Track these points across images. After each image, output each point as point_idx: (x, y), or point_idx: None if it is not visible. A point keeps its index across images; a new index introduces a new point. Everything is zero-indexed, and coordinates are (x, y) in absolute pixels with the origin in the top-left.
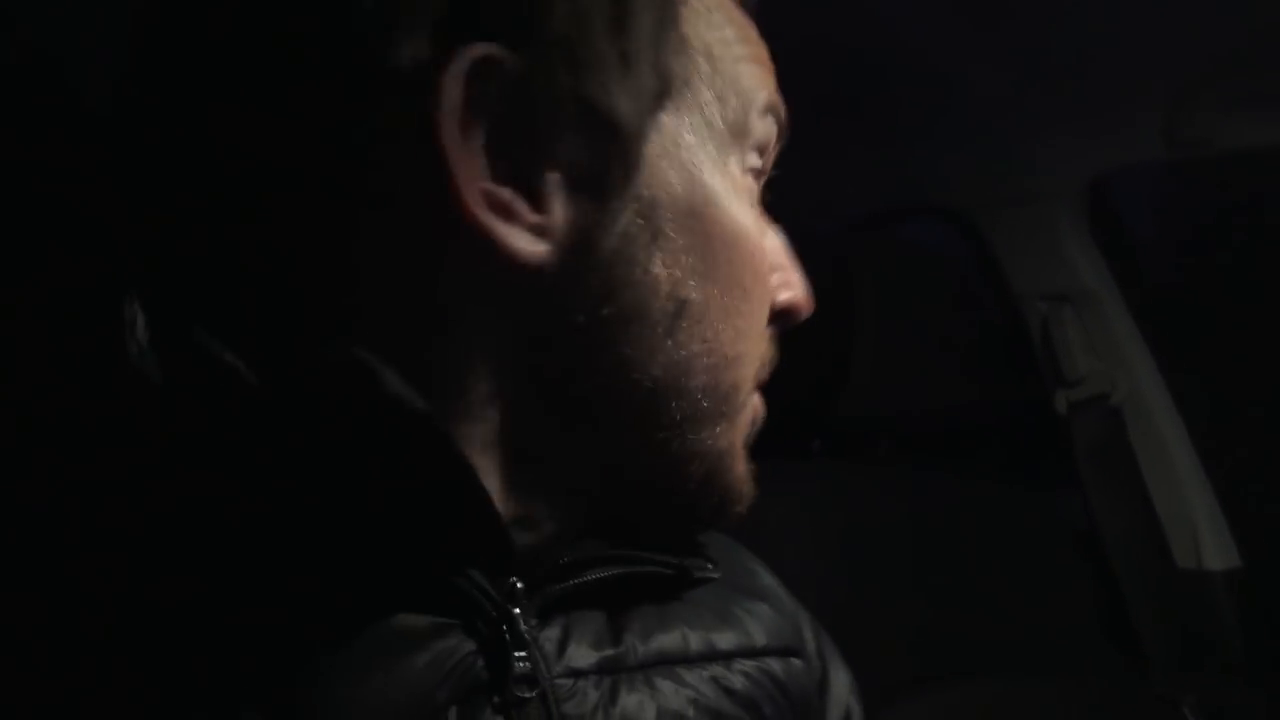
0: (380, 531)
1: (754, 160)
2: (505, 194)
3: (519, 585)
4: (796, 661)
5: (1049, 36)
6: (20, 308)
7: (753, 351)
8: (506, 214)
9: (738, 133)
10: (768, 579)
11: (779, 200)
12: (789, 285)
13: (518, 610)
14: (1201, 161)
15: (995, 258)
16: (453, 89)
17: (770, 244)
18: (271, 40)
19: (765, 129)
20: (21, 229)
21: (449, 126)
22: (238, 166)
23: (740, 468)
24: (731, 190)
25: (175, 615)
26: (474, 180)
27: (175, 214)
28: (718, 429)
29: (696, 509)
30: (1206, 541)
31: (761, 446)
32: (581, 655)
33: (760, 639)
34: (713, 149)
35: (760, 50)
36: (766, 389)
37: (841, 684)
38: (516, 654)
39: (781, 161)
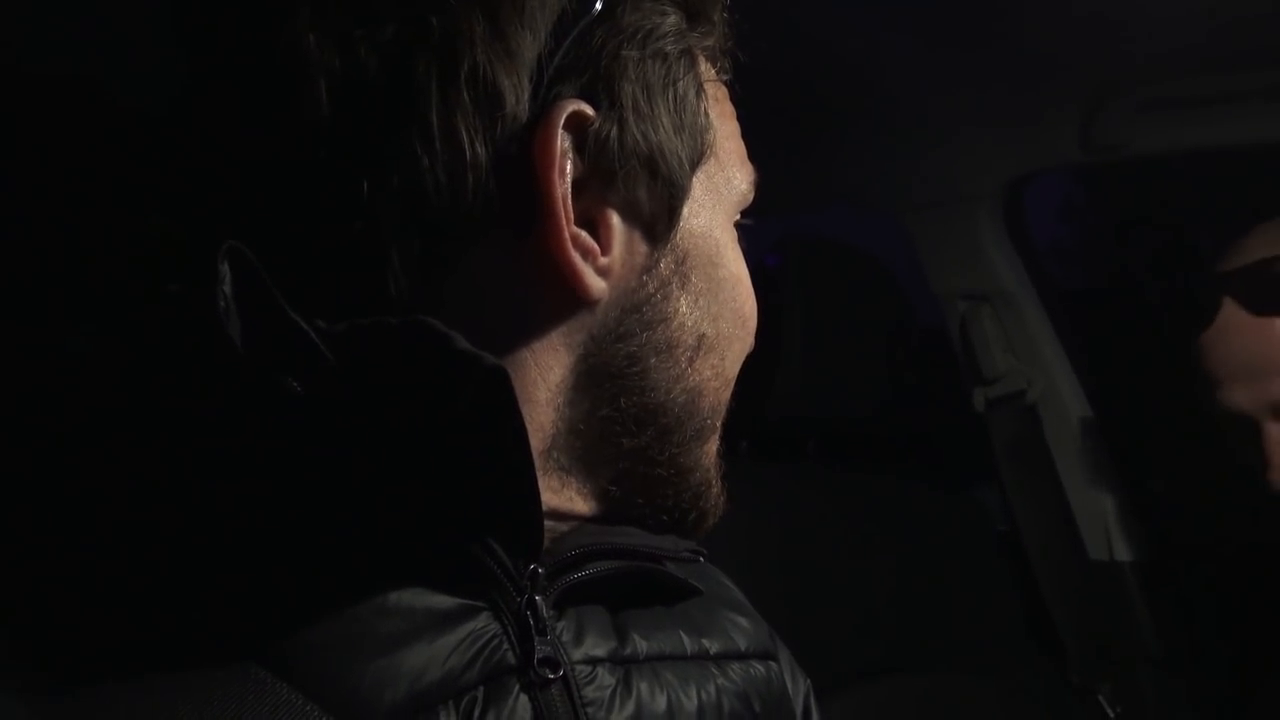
0: (421, 505)
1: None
2: (586, 237)
3: (540, 572)
4: (774, 664)
5: (969, 42)
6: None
7: (737, 373)
8: (584, 253)
9: (739, 199)
10: (734, 589)
11: None
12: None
13: (539, 597)
14: (1105, 170)
15: (918, 258)
16: (552, 138)
17: None
18: (387, 69)
19: (750, 196)
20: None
21: (549, 171)
22: (343, 169)
23: (720, 481)
24: (732, 243)
25: (210, 571)
26: (564, 223)
27: (270, 194)
28: (712, 444)
29: (686, 518)
30: (1117, 534)
31: None
32: (596, 645)
33: (742, 644)
34: (722, 210)
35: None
36: None
37: (801, 689)
38: (539, 638)
39: None
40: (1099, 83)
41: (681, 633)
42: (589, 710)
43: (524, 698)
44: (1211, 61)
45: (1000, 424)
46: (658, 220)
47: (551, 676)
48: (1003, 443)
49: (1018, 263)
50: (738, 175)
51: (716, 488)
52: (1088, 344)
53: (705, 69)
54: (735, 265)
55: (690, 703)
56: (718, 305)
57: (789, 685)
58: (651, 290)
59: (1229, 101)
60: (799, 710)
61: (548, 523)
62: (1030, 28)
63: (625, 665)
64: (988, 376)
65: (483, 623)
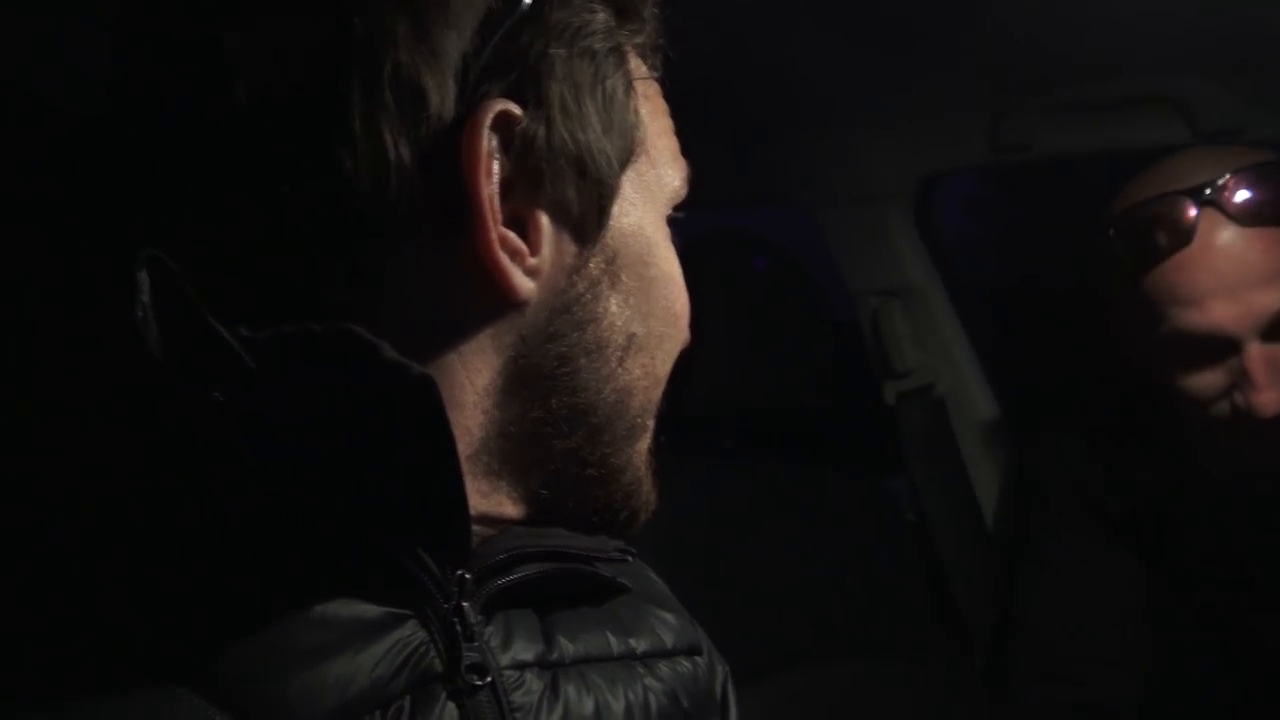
0: (347, 514)
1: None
2: (514, 238)
3: (468, 578)
4: (700, 659)
5: (883, 43)
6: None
7: (669, 372)
8: (512, 255)
9: (671, 196)
10: (661, 585)
11: None
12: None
13: (467, 603)
14: (1009, 169)
15: (832, 253)
16: (478, 139)
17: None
18: (314, 74)
19: (683, 192)
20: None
21: (475, 173)
22: (265, 171)
23: (651, 479)
24: (664, 241)
25: (134, 586)
26: (491, 224)
27: (193, 198)
28: (643, 443)
29: (617, 517)
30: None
31: None
32: (524, 649)
33: (669, 641)
34: (653, 208)
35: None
36: None
37: (720, 676)
38: (466, 645)
39: None
40: (1005, 86)
41: (608, 633)
42: (517, 716)
43: (451, 705)
44: (1113, 68)
45: (910, 416)
46: (587, 220)
47: (479, 683)
48: (912, 434)
49: (927, 259)
50: (669, 172)
51: (647, 486)
52: (995, 339)
53: (636, 66)
54: (667, 263)
55: (618, 704)
56: (649, 304)
57: (712, 673)
58: (581, 290)
59: (1129, 106)
60: (717, 696)
61: (476, 527)
62: (942, 32)
63: (553, 669)
64: (898, 370)
65: (409, 630)
